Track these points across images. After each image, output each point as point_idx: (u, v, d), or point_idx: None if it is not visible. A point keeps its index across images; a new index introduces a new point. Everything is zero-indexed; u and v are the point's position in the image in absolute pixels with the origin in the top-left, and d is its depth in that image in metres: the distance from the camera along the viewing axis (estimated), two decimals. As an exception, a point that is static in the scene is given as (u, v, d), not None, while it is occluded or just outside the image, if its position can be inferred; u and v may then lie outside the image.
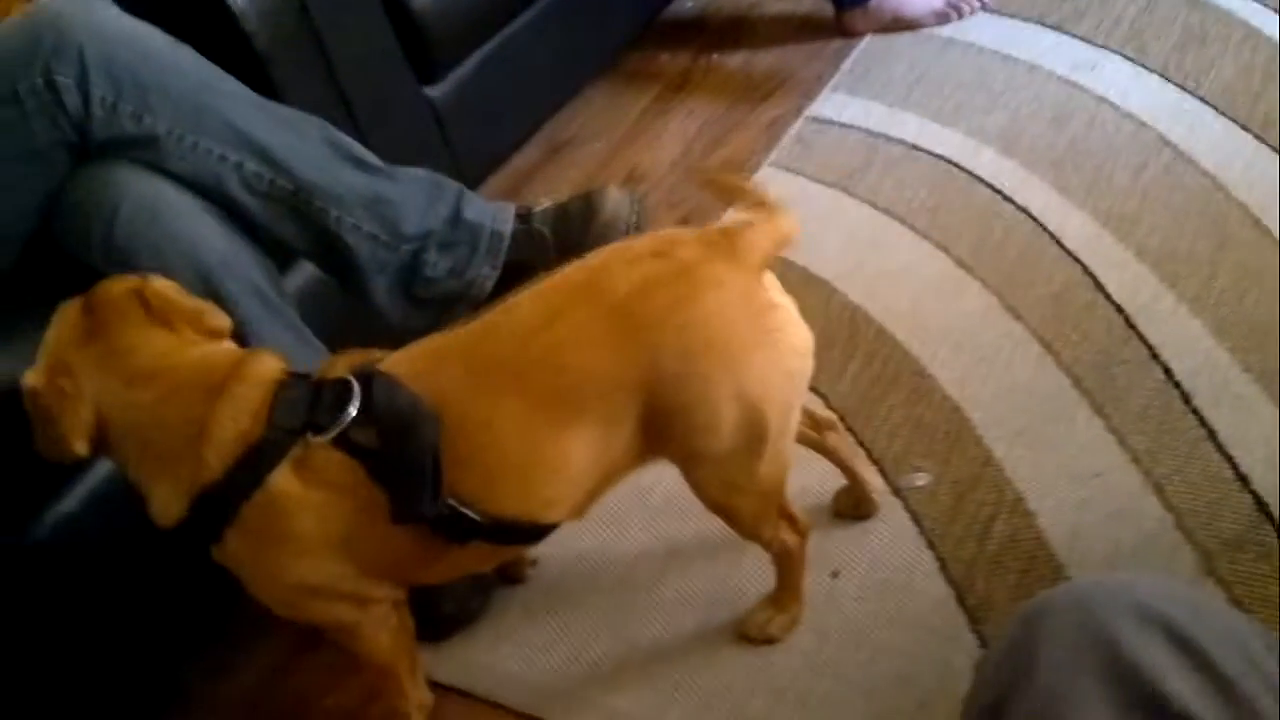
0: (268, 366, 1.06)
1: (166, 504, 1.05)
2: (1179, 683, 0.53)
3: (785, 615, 1.27)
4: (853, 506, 1.36)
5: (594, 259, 1.09)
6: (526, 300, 1.07)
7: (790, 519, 1.19)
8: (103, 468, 1.25)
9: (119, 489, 1.23)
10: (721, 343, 1.04)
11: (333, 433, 1.02)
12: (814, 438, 1.29)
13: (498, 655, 1.33)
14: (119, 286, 1.08)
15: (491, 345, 1.06)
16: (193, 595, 1.36)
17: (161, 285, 1.10)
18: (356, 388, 1.03)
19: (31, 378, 1.04)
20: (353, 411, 1.02)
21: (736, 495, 1.14)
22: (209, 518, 1.04)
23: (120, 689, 1.34)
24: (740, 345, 1.05)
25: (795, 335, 1.09)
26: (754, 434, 1.08)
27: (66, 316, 1.07)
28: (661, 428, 1.06)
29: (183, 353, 1.06)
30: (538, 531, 1.12)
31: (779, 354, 1.07)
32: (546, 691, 1.29)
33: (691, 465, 1.12)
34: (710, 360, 1.04)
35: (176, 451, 1.03)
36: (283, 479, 1.02)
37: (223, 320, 1.12)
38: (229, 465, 1.02)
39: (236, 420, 1.02)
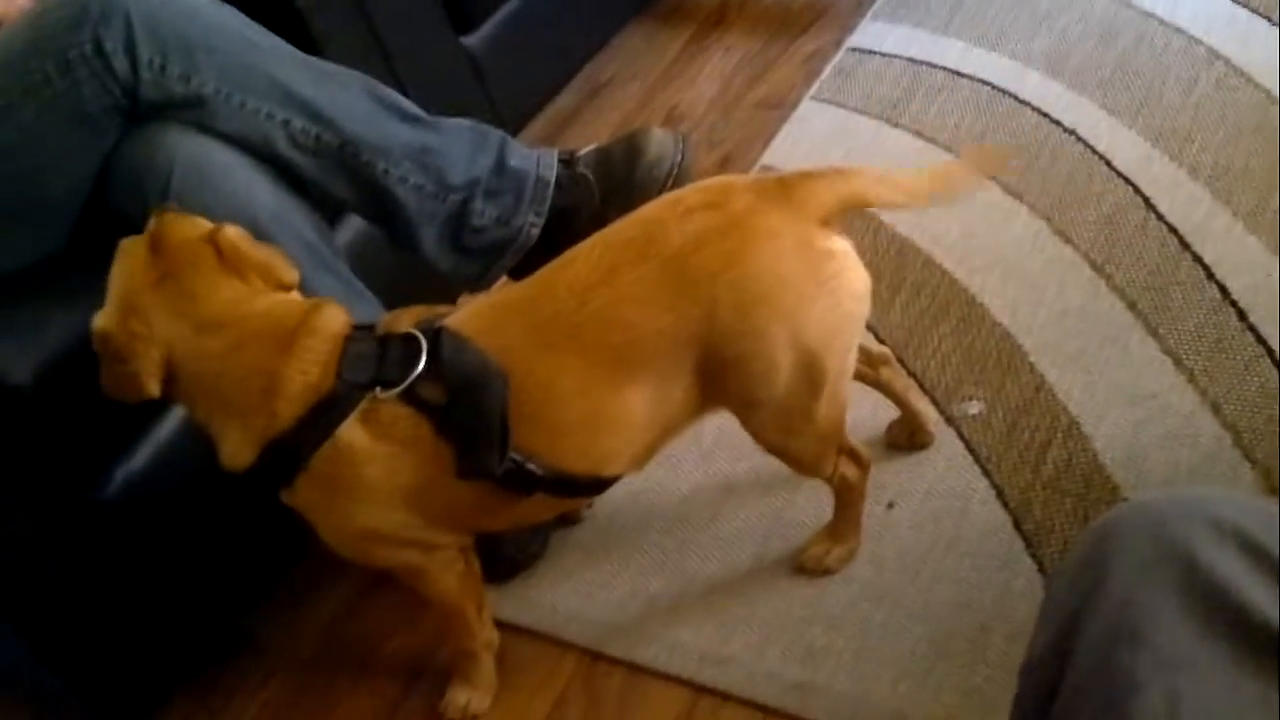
0: (335, 319, 1.08)
1: (237, 450, 1.07)
2: (1257, 592, 0.52)
3: (843, 547, 1.28)
4: (907, 437, 1.36)
5: (648, 211, 1.09)
6: (583, 256, 1.08)
7: (852, 453, 1.20)
8: (167, 426, 1.29)
9: (185, 446, 1.27)
10: (777, 295, 1.04)
11: (400, 388, 1.03)
12: (869, 373, 1.29)
13: (559, 594, 1.36)
14: (190, 230, 1.09)
15: (550, 302, 1.07)
16: (259, 544, 1.41)
17: (234, 234, 1.11)
18: (424, 343, 1.05)
19: (103, 320, 1.05)
20: (420, 367, 1.04)
21: (795, 438, 1.15)
22: (279, 465, 1.06)
23: (190, 638, 1.39)
24: (796, 296, 1.05)
25: (853, 281, 1.08)
26: (811, 380, 1.08)
27: (134, 256, 1.08)
28: (719, 379, 1.07)
29: (252, 303, 1.08)
30: (600, 484, 1.13)
31: (835, 301, 1.07)
32: (608, 627, 1.31)
33: (749, 412, 1.13)
34: (766, 313, 1.04)
35: (246, 401, 1.06)
36: (351, 431, 1.04)
37: (291, 273, 1.13)
38: (299, 416, 1.04)
39: (306, 374, 1.04)
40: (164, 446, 1.28)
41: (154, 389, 1.06)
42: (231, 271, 1.08)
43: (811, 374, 1.07)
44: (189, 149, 1.29)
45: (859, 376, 1.26)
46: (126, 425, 1.26)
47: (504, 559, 1.38)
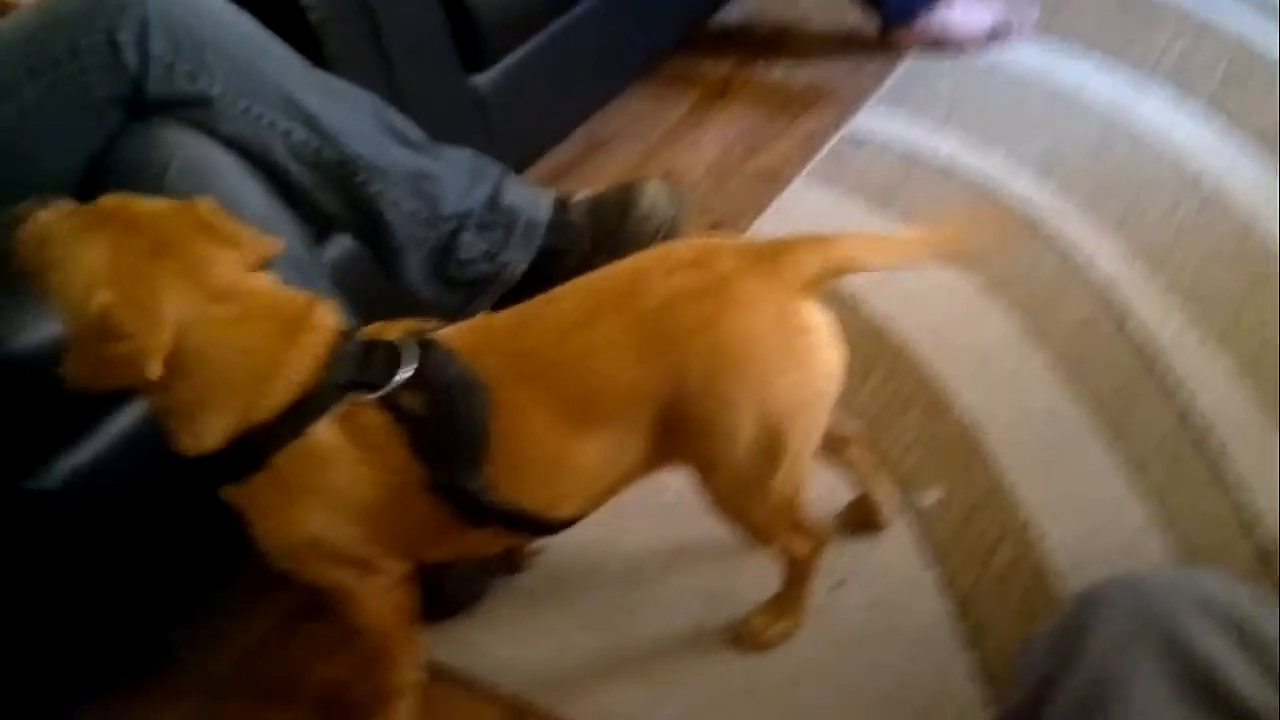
0: (332, 317, 1.06)
1: (204, 432, 1.02)
2: (1238, 671, 0.51)
3: (784, 622, 1.27)
4: (863, 520, 1.36)
5: (638, 260, 1.09)
6: (569, 295, 1.08)
7: (809, 530, 1.19)
8: (119, 423, 1.27)
9: (135, 446, 1.26)
10: (747, 364, 1.04)
11: (382, 392, 1.02)
12: (837, 451, 1.29)
13: (494, 638, 1.34)
14: (153, 205, 1.04)
15: (530, 336, 1.07)
16: (194, 555, 1.38)
17: (212, 204, 1.06)
18: (411, 353, 1.03)
19: (102, 295, 0.95)
20: (405, 375, 1.02)
21: (747, 506, 1.15)
22: (242, 457, 1.03)
23: (109, 647, 1.35)
24: (766, 368, 1.05)
25: (826, 359, 1.07)
26: (771, 452, 1.08)
27: (99, 230, 1.00)
28: (679, 437, 1.07)
29: (254, 277, 1.04)
30: (549, 526, 1.12)
31: (806, 376, 1.06)
32: (539, 678, 1.29)
33: (705, 473, 1.12)
34: (734, 381, 1.04)
35: (237, 379, 1.01)
36: (325, 431, 1.02)
37: (272, 244, 1.08)
38: (282, 409, 1.01)
39: (302, 368, 1.02)
40: (113, 443, 1.26)
41: (155, 368, 0.97)
42: (222, 241, 1.03)
43: (772, 446, 1.07)
44: (188, 148, 1.30)
45: (827, 452, 1.26)
46: (76, 417, 1.24)
47: (445, 597, 1.36)
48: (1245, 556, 1.25)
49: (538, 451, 1.06)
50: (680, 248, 1.10)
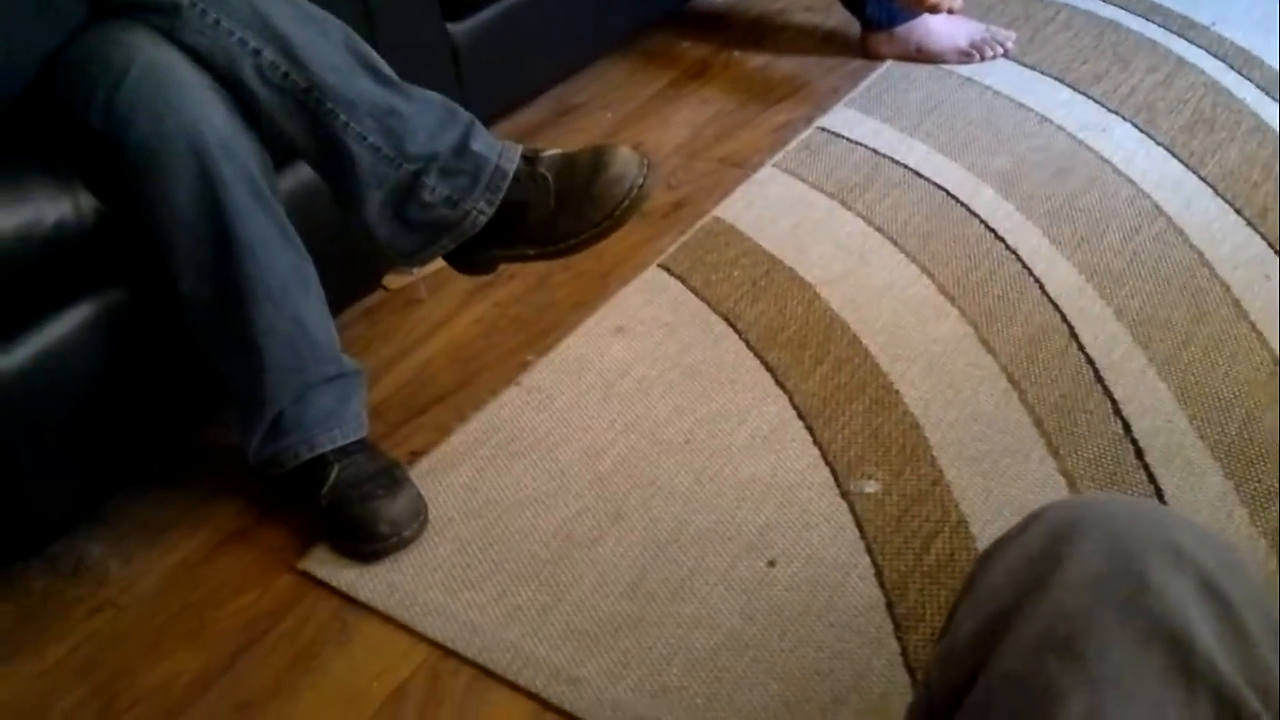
0: None
1: None
2: (1202, 627, 0.51)
3: None
4: None
5: None
6: None
7: None
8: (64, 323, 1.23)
9: (79, 349, 1.22)
10: None
11: None
12: None
13: (423, 584, 1.32)
14: None
15: None
16: (124, 460, 1.34)
17: None
18: None
19: None
20: None
21: None
22: None
23: (26, 547, 1.32)
24: None
25: None
26: None
27: None
28: None
29: None
30: None
31: None
32: (466, 626, 1.28)
33: None
34: None
35: None
36: None
37: None
38: None
39: None
40: (53, 346, 1.22)
41: None
42: None
43: None
44: (151, 53, 1.25)
45: None
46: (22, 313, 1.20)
47: (377, 537, 1.34)
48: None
49: None
50: None
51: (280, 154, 1.39)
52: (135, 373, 1.34)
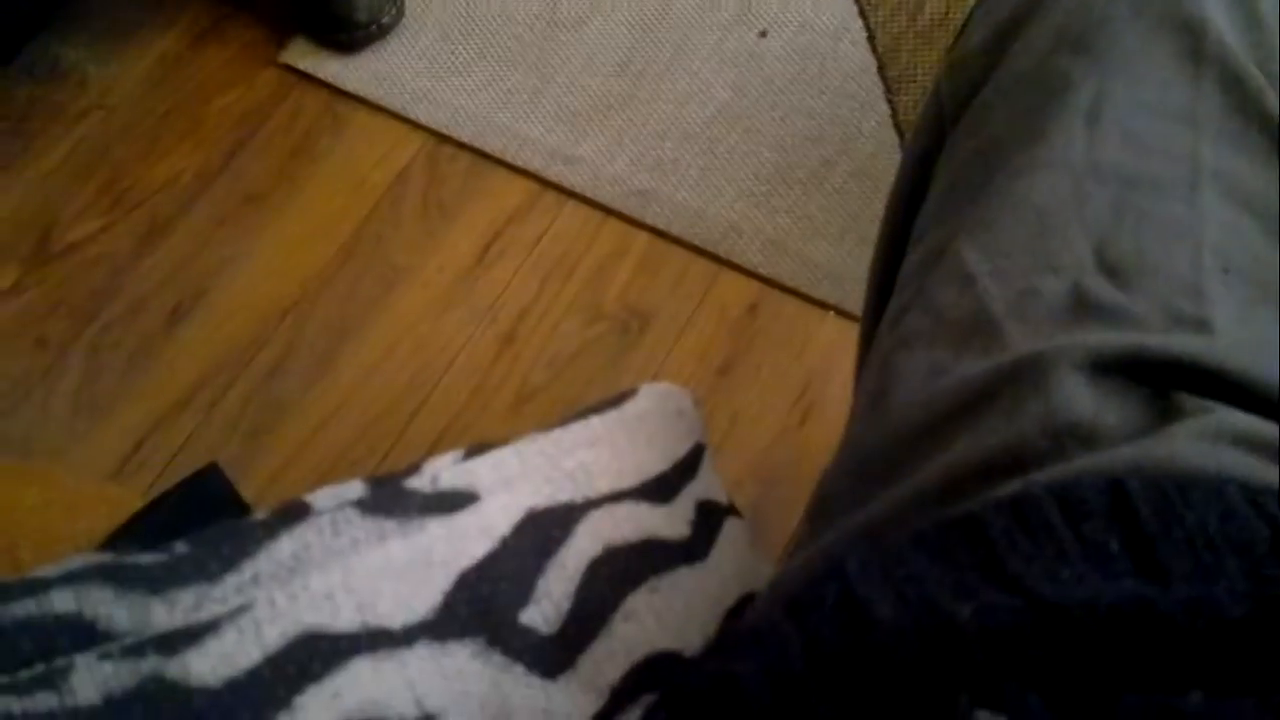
0: None
1: None
2: (1216, 11, 0.49)
3: None
4: None
5: None
6: None
7: None
8: None
9: None
10: None
11: None
12: None
13: (411, 72, 1.30)
14: None
15: None
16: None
17: None
18: None
19: None
20: None
21: None
22: None
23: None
24: None
25: None
26: None
27: None
28: None
29: None
30: None
31: None
32: (459, 112, 1.28)
33: None
34: None
35: None
36: None
37: None
38: None
39: None
40: None
41: None
42: None
43: None
44: None
45: None
46: None
47: (356, 25, 1.30)
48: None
49: None
50: None
51: None
52: None
